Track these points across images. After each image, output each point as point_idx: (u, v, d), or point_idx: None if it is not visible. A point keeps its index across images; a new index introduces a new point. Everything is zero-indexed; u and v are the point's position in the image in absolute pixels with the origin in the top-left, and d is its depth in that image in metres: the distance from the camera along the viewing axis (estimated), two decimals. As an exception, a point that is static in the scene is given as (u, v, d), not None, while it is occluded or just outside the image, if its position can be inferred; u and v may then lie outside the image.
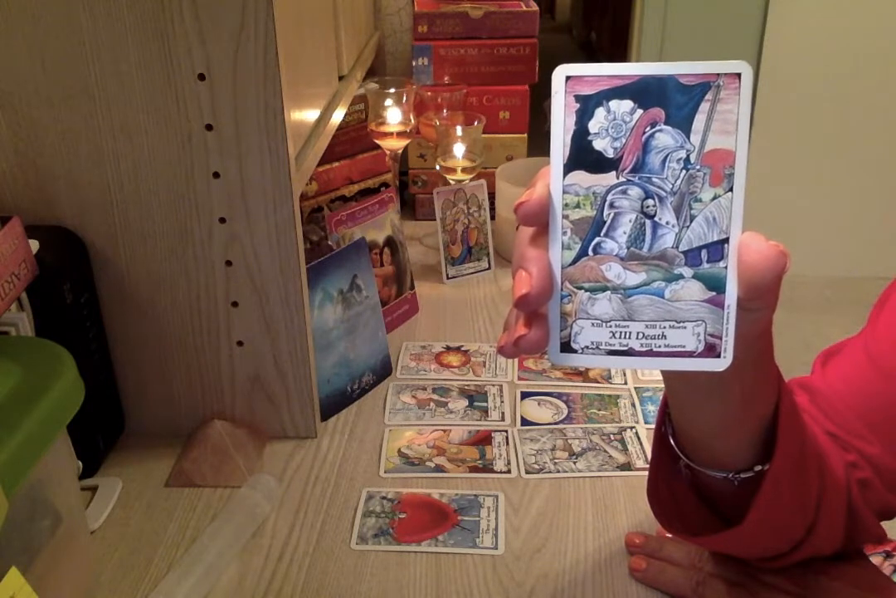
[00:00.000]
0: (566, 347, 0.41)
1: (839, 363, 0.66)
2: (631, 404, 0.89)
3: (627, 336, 0.40)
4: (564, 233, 0.40)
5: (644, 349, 0.40)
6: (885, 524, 0.64)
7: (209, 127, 0.69)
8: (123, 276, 0.76)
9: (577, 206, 0.39)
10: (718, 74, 0.37)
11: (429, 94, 1.21)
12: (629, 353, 0.40)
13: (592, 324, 0.40)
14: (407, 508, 0.75)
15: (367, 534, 0.72)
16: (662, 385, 0.91)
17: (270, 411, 0.82)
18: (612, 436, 0.84)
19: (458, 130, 1.13)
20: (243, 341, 0.78)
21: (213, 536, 0.69)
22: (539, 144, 1.43)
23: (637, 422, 0.86)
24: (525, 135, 1.32)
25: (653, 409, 0.88)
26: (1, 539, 0.51)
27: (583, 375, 0.94)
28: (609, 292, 0.40)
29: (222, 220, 0.73)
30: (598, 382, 0.93)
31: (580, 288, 0.40)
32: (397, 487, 0.77)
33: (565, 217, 0.39)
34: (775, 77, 2.52)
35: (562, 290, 0.40)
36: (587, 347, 0.40)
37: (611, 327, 0.40)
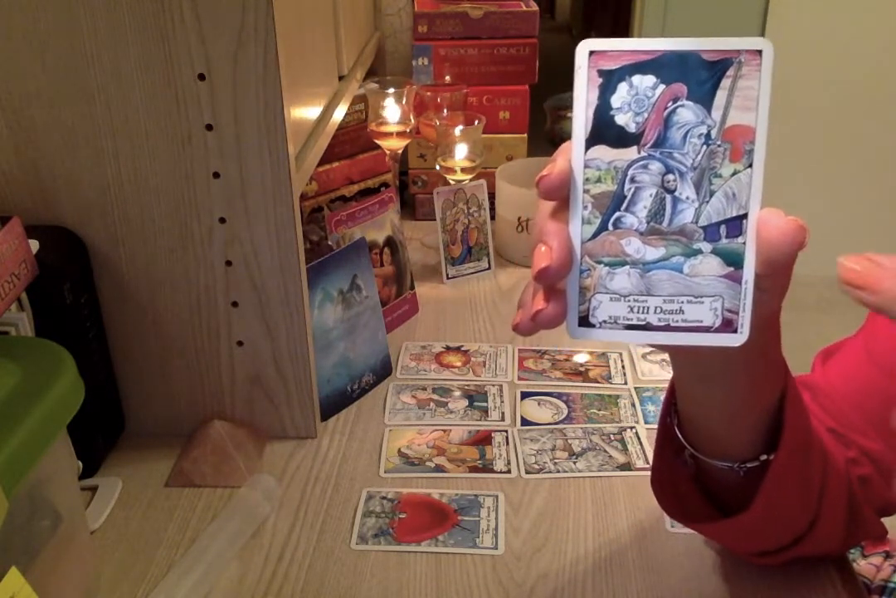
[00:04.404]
0: (584, 321, 0.41)
1: (839, 362, 0.66)
2: (631, 404, 0.89)
3: (645, 311, 0.40)
4: (585, 207, 0.40)
5: (662, 324, 0.40)
6: (886, 523, 0.64)
7: (209, 127, 0.69)
8: (123, 276, 0.76)
9: (599, 180, 0.39)
10: (740, 51, 0.38)
11: (429, 94, 1.21)
12: (647, 327, 0.40)
13: (611, 298, 0.40)
14: (407, 508, 0.75)
15: (367, 534, 0.72)
16: (662, 385, 0.92)
17: (270, 411, 0.82)
18: (612, 436, 0.84)
19: (458, 130, 1.13)
20: (243, 341, 0.78)
21: (213, 536, 0.69)
22: (539, 143, 1.43)
23: (637, 422, 0.86)
24: (525, 135, 1.32)
25: (653, 409, 0.88)
26: (1, 539, 0.51)
27: (583, 375, 0.94)
28: (628, 267, 0.40)
29: (222, 220, 0.73)
30: (598, 382, 0.93)
31: (599, 262, 0.40)
32: (397, 487, 0.77)
33: (586, 191, 0.40)
34: (775, 77, 2.51)
35: (581, 264, 0.40)
36: (605, 321, 0.40)
37: (629, 301, 0.40)
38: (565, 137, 1.68)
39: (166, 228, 0.73)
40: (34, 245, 0.68)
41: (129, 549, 0.71)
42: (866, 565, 0.94)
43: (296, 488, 0.78)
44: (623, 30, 2.94)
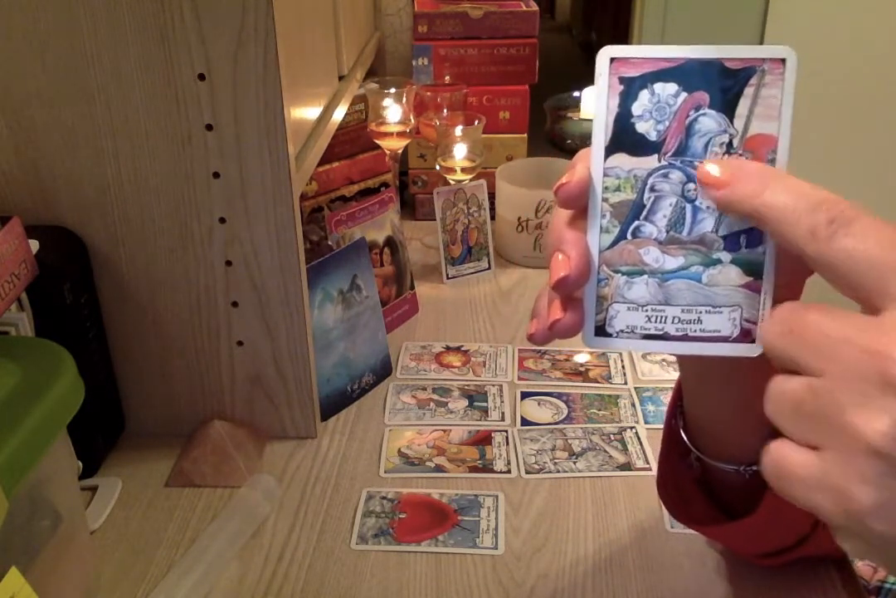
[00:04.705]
0: (601, 330, 0.41)
1: None
2: (631, 404, 0.89)
3: (663, 320, 0.40)
4: (604, 216, 0.39)
5: (679, 334, 0.40)
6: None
7: (209, 127, 0.69)
8: (123, 276, 0.76)
9: (618, 189, 0.39)
10: (763, 59, 0.37)
11: (429, 94, 1.21)
12: (664, 337, 0.40)
13: (628, 308, 0.40)
14: (407, 508, 0.75)
15: (367, 534, 0.72)
16: (662, 385, 0.92)
17: (270, 411, 0.82)
18: (612, 436, 0.84)
19: (458, 130, 1.13)
20: (243, 341, 0.78)
21: (213, 536, 0.69)
22: (539, 144, 1.43)
23: (637, 422, 0.86)
24: (525, 135, 1.32)
25: (653, 409, 0.88)
26: (1, 539, 0.51)
27: (583, 375, 0.94)
28: (646, 276, 0.40)
29: (222, 220, 0.73)
30: (598, 382, 0.93)
31: (617, 272, 0.40)
32: (397, 487, 0.77)
33: (605, 200, 0.39)
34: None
35: (599, 273, 0.40)
36: (622, 331, 0.40)
37: (647, 311, 0.40)
38: (565, 137, 1.67)
39: (166, 228, 0.73)
40: (34, 245, 0.68)
41: (129, 549, 0.70)
42: (863, 565, 0.94)
43: (296, 488, 0.78)
44: (623, 30, 2.94)
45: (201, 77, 0.67)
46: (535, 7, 1.30)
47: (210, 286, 0.76)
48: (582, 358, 0.97)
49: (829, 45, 2.50)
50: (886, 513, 0.31)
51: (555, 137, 1.53)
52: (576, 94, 1.56)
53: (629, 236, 0.40)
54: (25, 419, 0.51)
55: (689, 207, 0.39)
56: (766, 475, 0.34)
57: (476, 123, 1.14)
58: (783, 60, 0.37)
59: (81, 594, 0.64)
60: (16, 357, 0.57)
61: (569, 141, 1.55)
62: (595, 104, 0.39)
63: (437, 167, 1.15)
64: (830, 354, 0.32)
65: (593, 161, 0.39)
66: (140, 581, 0.67)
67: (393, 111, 1.12)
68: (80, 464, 0.74)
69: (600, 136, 0.39)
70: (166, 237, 0.74)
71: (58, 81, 0.68)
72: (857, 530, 0.32)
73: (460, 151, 1.14)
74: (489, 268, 1.18)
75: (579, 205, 0.40)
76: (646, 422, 0.86)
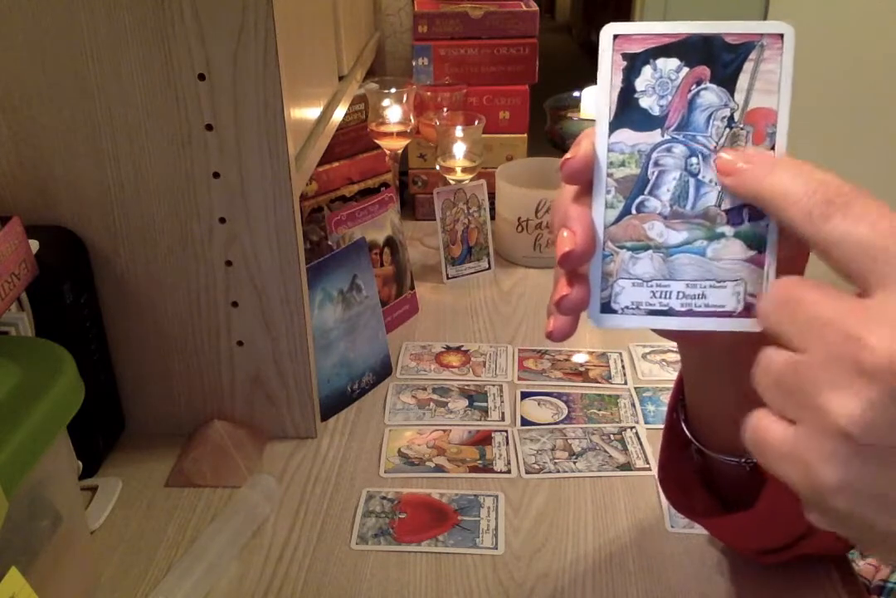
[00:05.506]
0: (606, 307, 0.41)
1: None
2: (631, 404, 0.89)
3: (668, 296, 0.40)
4: (608, 191, 0.40)
5: (684, 309, 0.40)
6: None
7: (209, 127, 0.69)
8: (123, 276, 0.76)
9: (622, 164, 0.39)
10: (762, 34, 0.38)
11: (429, 94, 1.21)
12: (669, 313, 0.40)
13: (633, 284, 0.40)
14: (407, 508, 0.75)
15: (367, 534, 0.72)
16: (662, 385, 0.92)
17: (270, 411, 0.82)
18: (612, 436, 0.84)
19: (458, 130, 1.13)
20: (243, 341, 0.78)
21: (213, 536, 0.69)
22: (539, 143, 1.43)
23: (637, 422, 0.86)
24: (525, 135, 1.32)
25: (653, 409, 0.88)
26: (1, 539, 0.51)
27: (583, 375, 0.94)
28: (651, 251, 0.40)
29: (222, 220, 0.73)
30: (598, 382, 0.93)
31: (622, 247, 0.40)
32: (397, 487, 0.77)
33: (610, 175, 0.40)
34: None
35: (604, 249, 0.40)
36: (627, 307, 0.40)
37: (651, 286, 0.40)
38: (565, 137, 1.67)
39: (166, 228, 0.73)
40: (34, 245, 0.68)
41: (129, 549, 0.71)
42: (865, 565, 0.94)
43: (296, 488, 0.78)
44: (623, 30, 2.94)
45: (201, 77, 0.67)
46: (535, 7, 1.30)
47: (210, 286, 0.76)
48: (582, 358, 0.97)
49: (829, 45, 2.50)
50: (848, 493, 0.32)
51: (555, 137, 1.53)
52: (576, 94, 1.56)
53: (633, 211, 0.40)
54: (25, 419, 0.51)
55: (692, 181, 0.39)
56: (744, 440, 0.35)
57: (476, 123, 1.14)
58: (781, 36, 0.38)
59: (81, 594, 0.64)
60: (16, 357, 0.57)
61: (569, 141, 1.55)
62: (599, 80, 0.39)
63: (437, 167, 1.15)
64: (815, 333, 0.33)
65: (597, 137, 0.39)
66: (140, 581, 0.67)
67: (393, 111, 1.12)
68: (80, 464, 0.74)
69: (604, 111, 0.39)
70: (166, 237, 0.74)
71: (58, 81, 0.68)
72: (821, 505, 0.33)
73: (460, 151, 1.14)
74: (489, 268, 1.18)
75: (584, 180, 0.40)
76: (646, 422, 0.86)
